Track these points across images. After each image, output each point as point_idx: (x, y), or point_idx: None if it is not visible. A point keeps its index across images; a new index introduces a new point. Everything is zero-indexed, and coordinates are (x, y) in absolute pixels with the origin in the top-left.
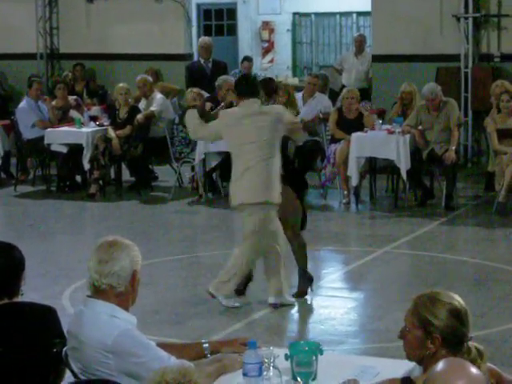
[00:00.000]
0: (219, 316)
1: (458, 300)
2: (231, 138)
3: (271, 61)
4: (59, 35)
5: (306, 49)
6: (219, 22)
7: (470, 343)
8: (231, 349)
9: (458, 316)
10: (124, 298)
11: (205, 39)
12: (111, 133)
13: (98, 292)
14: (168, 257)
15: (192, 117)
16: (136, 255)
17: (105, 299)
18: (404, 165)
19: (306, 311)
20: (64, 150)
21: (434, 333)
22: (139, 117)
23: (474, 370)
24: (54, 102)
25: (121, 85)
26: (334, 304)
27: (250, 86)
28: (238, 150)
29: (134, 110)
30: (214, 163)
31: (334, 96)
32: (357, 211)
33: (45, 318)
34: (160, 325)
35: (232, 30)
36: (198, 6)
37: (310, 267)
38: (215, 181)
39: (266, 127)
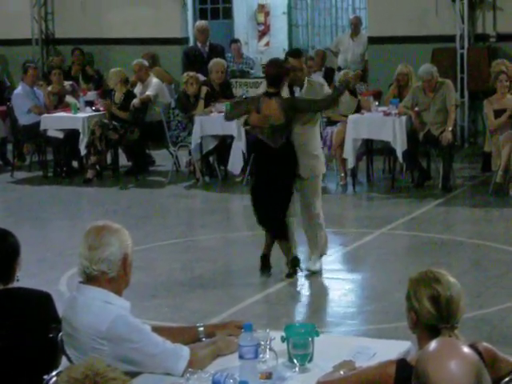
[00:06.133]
0: (216, 300)
1: (446, 286)
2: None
3: (267, 44)
4: (54, 20)
5: (302, 31)
6: (215, 6)
7: (454, 332)
8: (226, 332)
9: (435, 302)
10: (116, 283)
11: (201, 23)
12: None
13: (90, 279)
14: (165, 241)
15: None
16: (126, 239)
17: (97, 285)
18: (400, 146)
19: (303, 293)
20: (60, 135)
21: (411, 311)
22: (135, 101)
23: (466, 349)
24: (49, 88)
25: (116, 69)
26: (332, 286)
27: None
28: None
29: (129, 95)
30: (210, 147)
31: (329, 74)
32: (354, 193)
33: (40, 303)
34: (157, 308)
35: (228, 13)
36: None
37: (307, 249)
38: (212, 164)
39: None
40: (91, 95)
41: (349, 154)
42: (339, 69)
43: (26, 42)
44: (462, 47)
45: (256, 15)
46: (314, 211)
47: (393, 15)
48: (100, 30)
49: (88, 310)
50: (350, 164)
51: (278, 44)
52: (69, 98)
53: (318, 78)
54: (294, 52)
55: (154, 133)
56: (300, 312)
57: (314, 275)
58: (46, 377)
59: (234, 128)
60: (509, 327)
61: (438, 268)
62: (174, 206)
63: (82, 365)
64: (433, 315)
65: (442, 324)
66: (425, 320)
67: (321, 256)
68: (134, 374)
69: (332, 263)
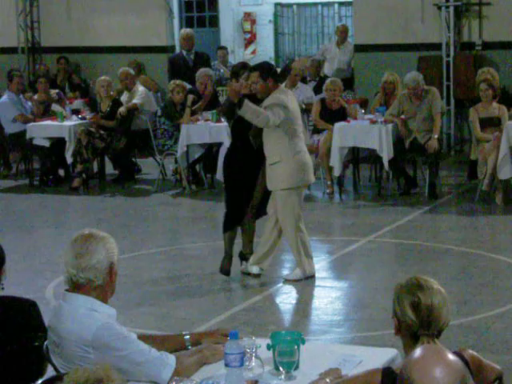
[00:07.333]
0: (202, 308)
1: (428, 293)
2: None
3: (253, 52)
4: (40, 29)
5: (288, 39)
6: (201, 14)
7: (435, 340)
8: (212, 340)
9: (416, 309)
10: (102, 290)
11: (186, 31)
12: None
13: (76, 286)
14: (151, 249)
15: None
16: (112, 247)
17: (83, 293)
18: (386, 154)
19: (290, 301)
20: (47, 143)
21: (394, 317)
22: (122, 110)
23: (451, 356)
24: (35, 96)
25: (102, 77)
26: (318, 293)
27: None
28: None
29: (116, 103)
30: (197, 155)
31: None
32: (340, 201)
33: (26, 311)
34: (144, 317)
35: (214, 22)
36: None
37: (293, 257)
38: (198, 173)
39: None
40: (77, 103)
41: (335, 161)
42: (325, 77)
43: (12, 50)
44: (448, 55)
45: (242, 24)
46: (285, 230)
47: (379, 23)
48: (86, 39)
49: (74, 318)
50: (337, 172)
51: (264, 52)
52: (55, 107)
53: (306, 88)
54: (252, 66)
55: (140, 141)
56: (286, 320)
57: (300, 283)
58: None
59: (224, 135)
60: (495, 334)
61: (424, 275)
62: (160, 215)
63: (86, 370)
64: (413, 322)
65: (422, 331)
66: (406, 326)
67: (303, 274)
68: None
69: (318, 271)
